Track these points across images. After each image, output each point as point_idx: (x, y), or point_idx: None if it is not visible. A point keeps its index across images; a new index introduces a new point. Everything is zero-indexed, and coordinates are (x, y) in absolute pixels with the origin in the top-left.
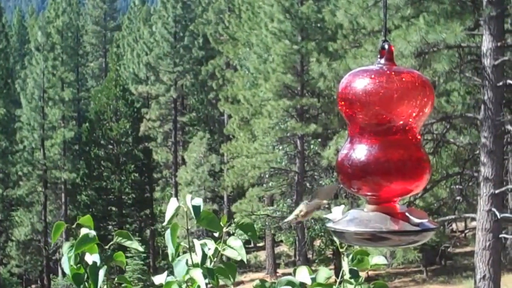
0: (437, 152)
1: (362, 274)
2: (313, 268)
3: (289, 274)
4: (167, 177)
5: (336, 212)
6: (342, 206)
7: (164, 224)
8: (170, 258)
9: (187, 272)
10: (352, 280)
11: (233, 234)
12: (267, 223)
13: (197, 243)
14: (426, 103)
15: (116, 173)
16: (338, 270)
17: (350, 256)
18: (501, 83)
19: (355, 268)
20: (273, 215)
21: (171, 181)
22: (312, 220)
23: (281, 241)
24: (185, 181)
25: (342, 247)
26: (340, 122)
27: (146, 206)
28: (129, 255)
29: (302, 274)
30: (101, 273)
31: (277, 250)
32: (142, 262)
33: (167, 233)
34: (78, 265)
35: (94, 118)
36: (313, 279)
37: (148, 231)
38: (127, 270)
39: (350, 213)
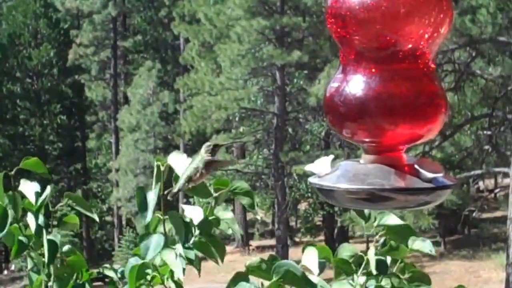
0: (460, 88)
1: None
2: (296, 239)
3: (266, 247)
4: (105, 121)
5: (323, 164)
6: (331, 156)
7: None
8: (139, 231)
9: (158, 254)
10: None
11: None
12: None
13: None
14: (443, 20)
15: (36, 115)
16: (328, 242)
17: (382, 240)
18: None
19: (384, 259)
20: (244, 170)
21: (109, 126)
22: (296, 177)
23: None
24: (128, 126)
25: (339, 215)
26: (332, 48)
27: (77, 159)
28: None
29: (309, 256)
30: (58, 240)
31: (250, 216)
32: (72, 233)
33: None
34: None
35: (6, 43)
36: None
37: (79, 192)
38: None
39: (341, 166)
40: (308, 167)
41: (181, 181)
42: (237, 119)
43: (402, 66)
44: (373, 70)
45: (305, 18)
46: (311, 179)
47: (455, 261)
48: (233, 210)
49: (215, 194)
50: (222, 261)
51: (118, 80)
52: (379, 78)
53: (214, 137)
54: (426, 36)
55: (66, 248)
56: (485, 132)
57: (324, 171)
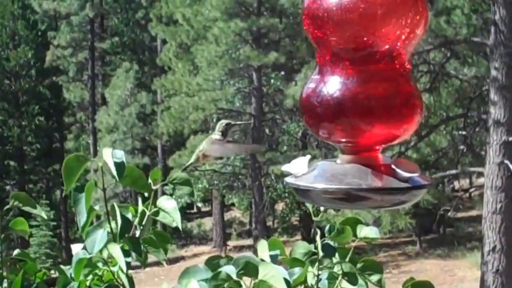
0: (435, 88)
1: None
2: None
3: (244, 247)
4: (83, 122)
5: (300, 164)
6: (308, 156)
7: (65, 188)
8: (80, 228)
9: (105, 247)
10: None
11: (171, 194)
12: (214, 182)
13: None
14: (419, 21)
15: (14, 116)
16: (306, 241)
17: (328, 227)
18: None
19: (331, 243)
20: (222, 170)
21: (87, 126)
22: (273, 177)
23: (233, 204)
24: (106, 127)
25: (315, 215)
26: (309, 49)
27: (55, 159)
28: (34, 223)
29: (261, 249)
30: None
31: (227, 216)
32: (51, 233)
33: (75, 195)
34: None
35: None
36: (275, 255)
37: (58, 192)
38: (31, 244)
39: (318, 166)
40: (285, 167)
41: (192, 160)
42: (214, 119)
43: (379, 67)
44: (350, 71)
45: (281, 19)
46: (288, 179)
47: (430, 260)
48: (211, 210)
49: (154, 187)
50: (166, 252)
51: (95, 81)
52: (356, 79)
53: (191, 138)
54: (403, 37)
55: (16, 252)
56: (460, 132)
57: (301, 171)
